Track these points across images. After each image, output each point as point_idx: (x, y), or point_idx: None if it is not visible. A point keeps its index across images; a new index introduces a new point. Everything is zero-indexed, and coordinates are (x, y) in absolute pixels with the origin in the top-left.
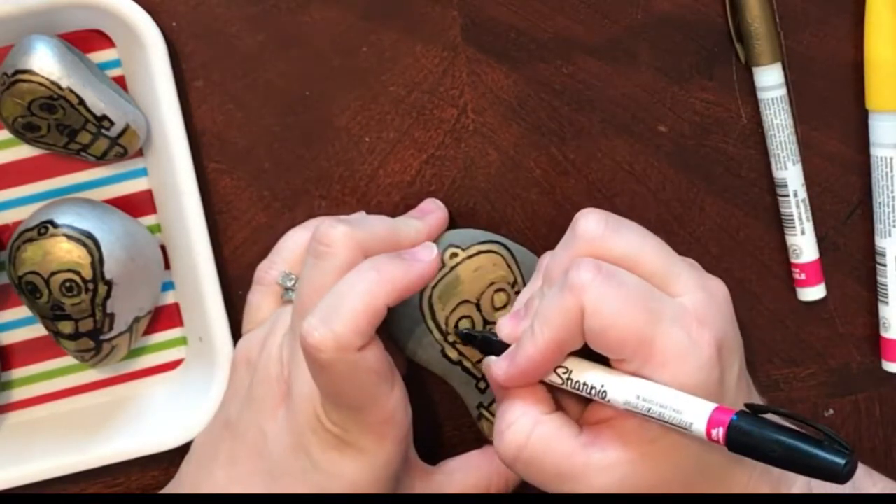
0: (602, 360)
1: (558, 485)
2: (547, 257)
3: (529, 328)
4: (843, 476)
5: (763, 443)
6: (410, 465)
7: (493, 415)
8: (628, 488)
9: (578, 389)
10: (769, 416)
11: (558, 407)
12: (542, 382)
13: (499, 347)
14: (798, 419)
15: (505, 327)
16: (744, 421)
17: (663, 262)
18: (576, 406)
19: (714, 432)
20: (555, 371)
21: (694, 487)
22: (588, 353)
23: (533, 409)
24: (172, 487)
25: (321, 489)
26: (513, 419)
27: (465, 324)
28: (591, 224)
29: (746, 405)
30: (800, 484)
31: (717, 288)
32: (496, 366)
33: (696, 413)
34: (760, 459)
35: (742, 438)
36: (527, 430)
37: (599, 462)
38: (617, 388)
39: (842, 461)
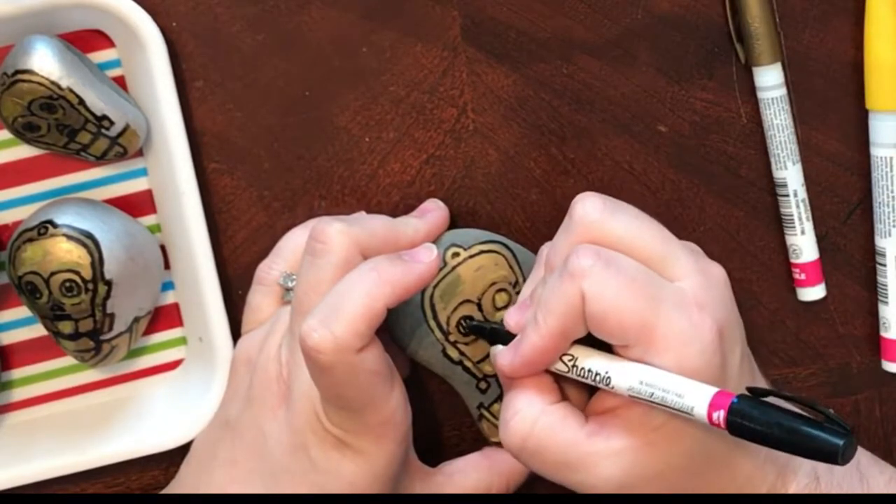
0: (607, 351)
1: (563, 474)
2: (546, 248)
3: (532, 317)
4: (840, 457)
5: (762, 425)
6: (410, 466)
7: (493, 415)
8: (633, 476)
9: (583, 377)
10: (771, 400)
11: (564, 398)
12: (549, 372)
13: (506, 338)
14: (799, 401)
15: (511, 318)
16: (744, 404)
17: (662, 245)
18: (580, 397)
19: (715, 415)
20: (560, 359)
21: (700, 475)
22: (593, 344)
23: (538, 398)
24: (172, 488)
25: (321, 489)
26: (518, 408)
27: (466, 323)
28: (588, 208)
29: (748, 388)
30: (805, 470)
31: (716, 272)
32: (501, 356)
33: (698, 397)
34: (760, 442)
35: (742, 421)
36: (531, 419)
37: (604, 450)
38: (621, 373)
39: (840, 442)
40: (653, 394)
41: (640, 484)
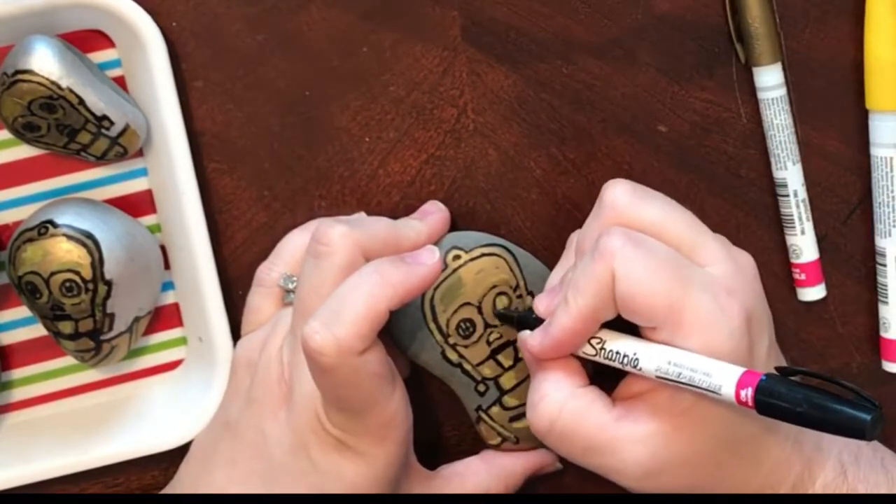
0: (634, 335)
1: (590, 458)
2: (575, 235)
3: (563, 299)
4: (868, 432)
5: (790, 402)
6: (410, 469)
7: (491, 418)
8: (660, 461)
9: (611, 359)
10: (799, 380)
11: (591, 383)
12: (576, 357)
13: (534, 325)
14: (827, 379)
15: (541, 303)
16: (772, 382)
17: (691, 231)
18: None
19: (743, 394)
20: (588, 342)
21: (725, 463)
22: (620, 329)
23: (566, 381)
24: (171, 488)
25: (321, 490)
26: (546, 392)
27: (465, 326)
28: (618, 193)
29: (776, 368)
30: (833, 463)
31: (746, 260)
32: (531, 338)
33: (726, 376)
34: (788, 420)
35: (770, 399)
36: (559, 403)
37: (632, 434)
38: (648, 355)
39: (867, 417)
40: (680, 374)
41: (667, 469)
